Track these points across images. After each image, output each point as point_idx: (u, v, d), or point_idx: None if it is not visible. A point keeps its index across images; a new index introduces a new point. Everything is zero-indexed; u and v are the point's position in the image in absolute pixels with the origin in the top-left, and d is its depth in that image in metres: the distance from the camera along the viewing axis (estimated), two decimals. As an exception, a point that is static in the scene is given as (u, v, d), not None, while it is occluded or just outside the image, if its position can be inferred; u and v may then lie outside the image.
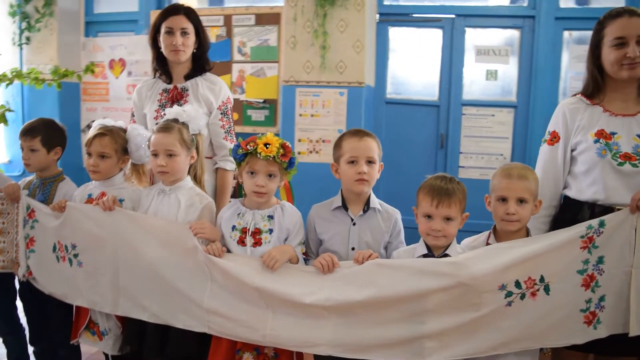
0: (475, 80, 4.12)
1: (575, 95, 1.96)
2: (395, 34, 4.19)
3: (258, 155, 1.78)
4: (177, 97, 2.26)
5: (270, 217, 1.86)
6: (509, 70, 4.05)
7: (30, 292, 2.26)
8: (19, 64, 4.34)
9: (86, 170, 2.08)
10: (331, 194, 2.26)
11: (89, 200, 2.10)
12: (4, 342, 2.45)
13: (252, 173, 1.81)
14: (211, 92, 2.29)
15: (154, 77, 2.35)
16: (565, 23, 3.89)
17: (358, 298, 1.68)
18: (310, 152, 3.88)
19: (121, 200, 2.03)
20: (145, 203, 2.00)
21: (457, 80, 4.09)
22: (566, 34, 3.92)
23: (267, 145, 1.78)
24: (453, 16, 4.05)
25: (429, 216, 1.68)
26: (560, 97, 3.97)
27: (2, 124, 3.64)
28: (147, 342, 1.95)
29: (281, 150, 1.79)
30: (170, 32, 2.21)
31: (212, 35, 4.30)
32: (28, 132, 2.19)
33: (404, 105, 4.21)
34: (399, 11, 4.14)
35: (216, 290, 1.83)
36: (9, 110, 3.47)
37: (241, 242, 1.85)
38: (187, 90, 2.28)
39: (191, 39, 2.24)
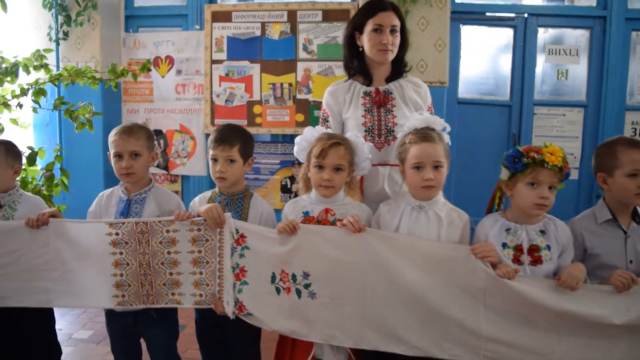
0: (546, 79, 4.14)
1: None
2: (467, 32, 4.11)
3: (546, 164, 1.62)
4: (383, 101, 2.02)
5: (542, 231, 1.71)
6: (579, 70, 4.11)
7: (211, 328, 1.96)
8: (55, 61, 3.82)
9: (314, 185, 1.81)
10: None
11: (307, 218, 1.83)
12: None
13: (533, 184, 1.65)
14: (418, 95, 2.08)
15: (347, 79, 2.09)
16: (634, 24, 3.99)
17: None
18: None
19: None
20: (390, 221, 1.77)
21: (529, 80, 4.08)
22: (634, 34, 4.03)
23: (552, 155, 1.64)
24: (526, 15, 4.04)
25: None
26: (628, 97, 4.09)
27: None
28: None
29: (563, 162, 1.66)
30: (379, 29, 1.98)
31: (275, 32, 4.01)
32: (226, 141, 1.86)
33: (476, 105, 4.16)
34: (471, 9, 4.07)
35: (493, 314, 1.66)
36: (97, 113, 2.99)
37: (516, 260, 1.68)
38: (391, 93, 2.05)
39: (399, 38, 2.02)
